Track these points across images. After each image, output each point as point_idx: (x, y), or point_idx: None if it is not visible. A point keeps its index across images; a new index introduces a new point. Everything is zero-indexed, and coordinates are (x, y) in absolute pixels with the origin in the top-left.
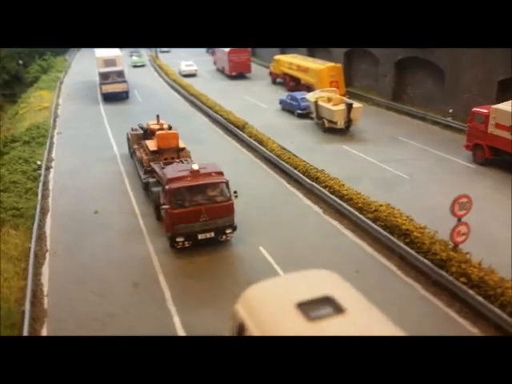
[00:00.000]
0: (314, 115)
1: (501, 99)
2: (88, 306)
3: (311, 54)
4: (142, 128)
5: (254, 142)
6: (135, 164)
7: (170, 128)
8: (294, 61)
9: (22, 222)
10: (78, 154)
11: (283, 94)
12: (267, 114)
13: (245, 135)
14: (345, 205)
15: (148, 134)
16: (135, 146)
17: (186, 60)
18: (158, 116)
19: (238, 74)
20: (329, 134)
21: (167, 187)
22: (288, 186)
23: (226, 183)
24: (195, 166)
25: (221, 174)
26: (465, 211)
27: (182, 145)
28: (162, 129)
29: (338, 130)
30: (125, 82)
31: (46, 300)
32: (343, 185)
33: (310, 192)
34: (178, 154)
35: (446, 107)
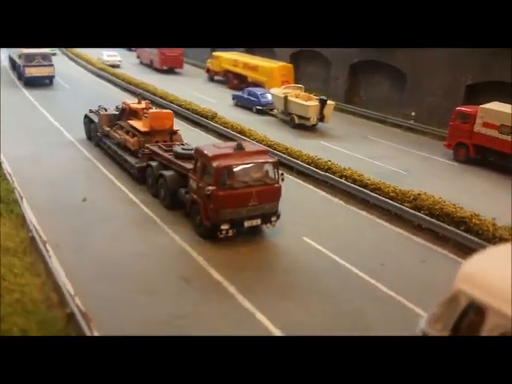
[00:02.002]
0: (277, 111)
1: (468, 103)
2: (141, 307)
3: (250, 53)
4: (105, 109)
5: (233, 133)
6: (109, 148)
7: None
8: (239, 58)
9: (2, 207)
10: (26, 140)
11: (225, 90)
12: (223, 108)
13: (217, 125)
14: (373, 194)
15: (127, 114)
16: (107, 129)
17: (106, 50)
18: (139, 95)
19: (169, 68)
20: (299, 130)
21: (215, 165)
22: (291, 177)
23: (276, 163)
24: (240, 144)
25: (266, 153)
26: None
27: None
28: (148, 108)
29: (307, 127)
30: (51, 65)
31: (77, 300)
32: (362, 174)
33: (321, 183)
34: (171, 136)
35: (404, 110)
